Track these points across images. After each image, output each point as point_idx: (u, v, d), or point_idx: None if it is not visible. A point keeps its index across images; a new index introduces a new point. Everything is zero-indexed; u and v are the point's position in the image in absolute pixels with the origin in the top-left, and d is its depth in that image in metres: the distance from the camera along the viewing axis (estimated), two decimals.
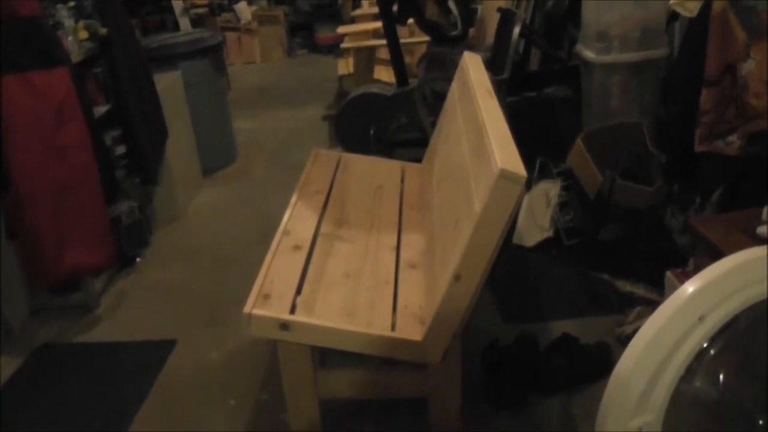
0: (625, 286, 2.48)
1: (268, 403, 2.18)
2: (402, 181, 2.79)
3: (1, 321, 2.63)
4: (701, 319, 1.11)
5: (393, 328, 1.81)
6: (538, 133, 3.46)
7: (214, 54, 4.18)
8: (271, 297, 1.84)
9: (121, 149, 3.22)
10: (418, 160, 2.94)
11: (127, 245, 3.16)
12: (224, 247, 3.32)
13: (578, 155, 2.49)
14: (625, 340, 2.29)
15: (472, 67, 2.42)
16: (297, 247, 2.11)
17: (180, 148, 3.75)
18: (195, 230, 3.57)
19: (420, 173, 2.83)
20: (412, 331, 1.79)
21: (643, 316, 2.33)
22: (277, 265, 2.00)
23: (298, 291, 1.91)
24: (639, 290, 2.46)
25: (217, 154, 4.31)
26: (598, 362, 2.18)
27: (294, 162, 4.31)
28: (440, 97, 3.21)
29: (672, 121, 2.39)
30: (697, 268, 2.20)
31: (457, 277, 1.66)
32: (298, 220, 2.30)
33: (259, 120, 5.28)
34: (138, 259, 3.23)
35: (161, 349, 2.52)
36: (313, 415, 1.99)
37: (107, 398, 2.30)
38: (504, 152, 1.65)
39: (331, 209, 2.43)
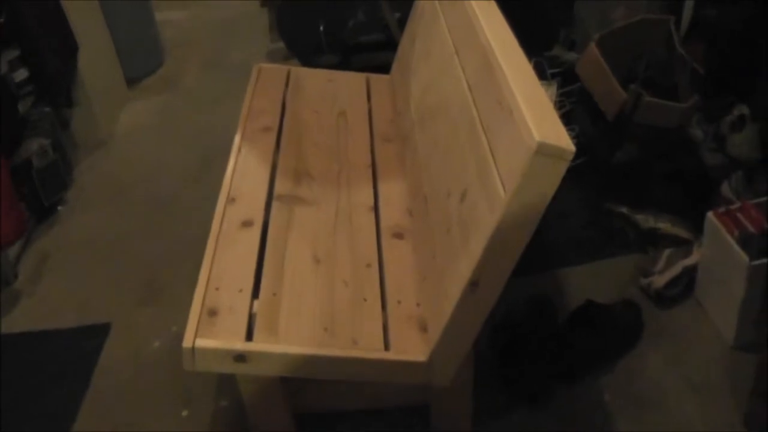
0: (647, 222, 2.06)
1: (228, 413, 1.76)
2: (368, 99, 2.27)
3: None
4: None
5: (386, 342, 1.37)
6: (518, 19, 2.93)
7: None
8: (219, 313, 1.37)
9: (22, 74, 2.60)
10: (384, 67, 2.41)
11: (43, 193, 2.59)
12: (159, 180, 2.79)
13: (592, 64, 1.99)
14: (655, 295, 1.91)
15: None
16: (247, 223, 1.62)
17: (96, 58, 3.10)
18: (124, 158, 3.00)
19: (390, 87, 2.31)
20: (411, 346, 1.35)
21: (674, 262, 1.94)
22: (223, 257, 1.51)
23: (255, 293, 1.45)
24: (664, 225, 2.05)
25: (141, 59, 3.65)
26: (628, 331, 1.79)
27: (232, 62, 3.71)
28: None
29: (724, 22, 1.89)
30: (744, 209, 1.80)
31: (473, 284, 1.21)
32: (244, 177, 1.79)
33: (188, 9, 4.54)
34: (59, 208, 2.68)
35: (93, 337, 2.05)
36: None
37: (35, 408, 1.85)
38: (536, 110, 1.15)
39: (286, 154, 1.91)
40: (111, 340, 2.05)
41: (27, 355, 2.04)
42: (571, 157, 1.08)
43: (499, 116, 1.24)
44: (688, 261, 1.92)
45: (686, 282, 1.92)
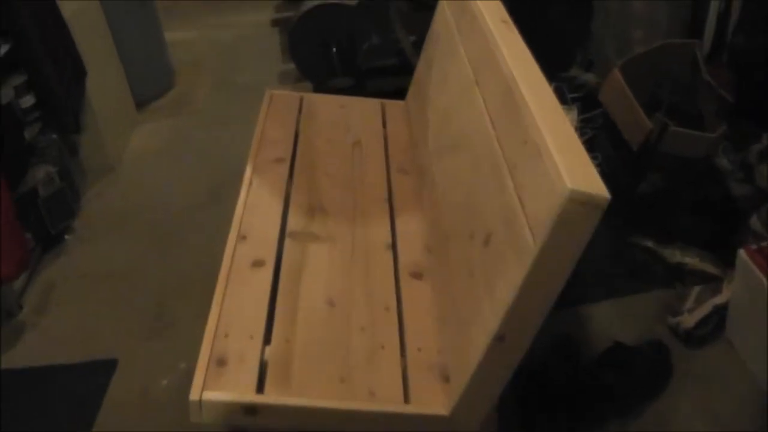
0: (674, 256, 1.98)
1: None
2: (383, 126, 2.20)
3: None
4: None
5: (405, 394, 1.29)
6: (535, 39, 2.87)
7: None
8: (228, 362, 1.30)
9: (29, 100, 2.55)
10: (399, 92, 2.34)
11: (49, 221, 2.54)
12: (169, 208, 2.73)
13: (616, 91, 1.92)
14: (684, 335, 1.82)
15: None
16: (258, 263, 1.55)
17: (105, 82, 3.05)
18: (133, 184, 2.94)
19: (405, 115, 2.24)
20: (433, 398, 1.28)
21: (703, 300, 1.85)
22: (232, 300, 1.44)
23: (267, 338, 1.38)
24: (692, 261, 1.97)
25: (151, 80, 3.60)
26: (657, 373, 1.71)
27: (243, 84, 3.65)
28: (422, 8, 2.57)
29: (752, 50, 1.82)
30: None
31: (500, 338, 1.14)
32: (255, 212, 1.72)
33: (197, 29, 4.50)
34: (66, 237, 2.62)
35: (98, 374, 1.98)
36: None
37: None
38: (566, 152, 1.08)
39: (299, 187, 1.84)
40: (117, 376, 1.98)
41: (29, 392, 1.98)
42: (606, 204, 1.01)
43: (526, 157, 1.17)
44: (719, 299, 1.83)
45: (716, 321, 1.83)
